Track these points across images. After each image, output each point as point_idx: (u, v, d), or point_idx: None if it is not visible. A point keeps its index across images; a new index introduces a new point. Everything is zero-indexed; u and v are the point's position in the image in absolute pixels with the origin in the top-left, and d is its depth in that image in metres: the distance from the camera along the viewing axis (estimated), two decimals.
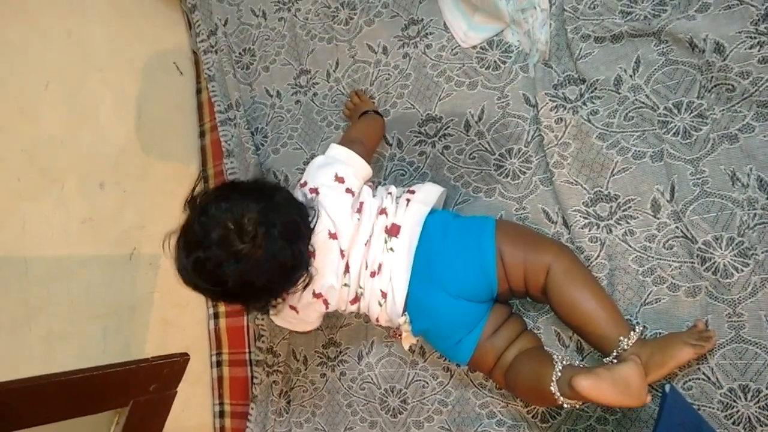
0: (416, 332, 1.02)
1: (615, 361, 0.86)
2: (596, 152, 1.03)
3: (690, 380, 0.92)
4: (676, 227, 0.95)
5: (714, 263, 0.91)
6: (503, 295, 1.00)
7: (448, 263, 0.97)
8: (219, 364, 1.49)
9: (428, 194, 1.06)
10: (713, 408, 0.89)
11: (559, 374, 0.85)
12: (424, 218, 1.01)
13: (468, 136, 1.18)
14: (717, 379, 0.90)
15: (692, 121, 0.96)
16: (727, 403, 0.89)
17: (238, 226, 0.84)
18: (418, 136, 1.24)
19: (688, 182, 0.94)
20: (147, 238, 1.48)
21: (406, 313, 1.00)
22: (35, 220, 1.33)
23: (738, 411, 0.88)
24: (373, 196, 1.06)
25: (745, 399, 0.87)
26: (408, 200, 1.04)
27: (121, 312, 1.37)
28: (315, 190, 1.01)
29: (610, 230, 1.01)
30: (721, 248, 0.90)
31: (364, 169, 1.09)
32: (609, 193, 1.02)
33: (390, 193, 1.06)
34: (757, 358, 0.87)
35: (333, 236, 0.98)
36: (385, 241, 1.00)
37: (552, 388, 0.84)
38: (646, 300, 0.97)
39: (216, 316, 1.50)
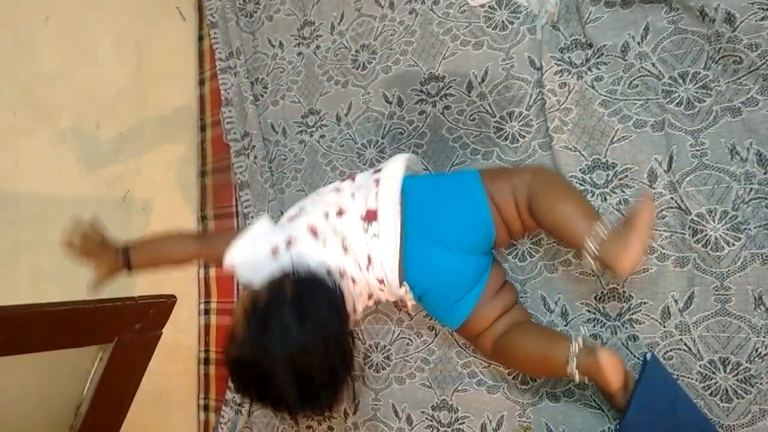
0: (417, 296, 0.99)
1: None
2: (597, 119, 1.02)
3: (671, 350, 0.92)
4: (671, 198, 0.94)
5: (705, 235, 0.90)
6: (501, 241, 0.99)
7: (441, 218, 0.96)
8: (207, 312, 1.49)
9: (395, 168, 1.02)
10: (692, 378, 0.90)
11: (577, 351, 0.85)
12: (399, 189, 0.98)
13: (470, 97, 1.16)
14: (698, 350, 0.90)
15: (696, 92, 0.94)
16: (706, 375, 0.89)
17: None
18: (419, 95, 1.23)
19: (687, 153, 0.93)
20: (141, 182, 1.48)
21: (404, 283, 0.98)
22: (29, 156, 1.32)
23: (716, 383, 0.88)
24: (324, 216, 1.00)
25: (724, 371, 0.88)
26: (377, 180, 1.00)
27: None
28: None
29: (605, 198, 1.00)
30: (714, 221, 0.90)
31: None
32: (607, 161, 1.01)
33: (350, 193, 1.01)
34: (740, 331, 0.87)
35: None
36: (365, 230, 0.96)
37: (569, 364, 0.85)
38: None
39: (206, 265, 1.50)
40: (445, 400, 1.13)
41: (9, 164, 1.28)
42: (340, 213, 0.97)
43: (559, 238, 0.97)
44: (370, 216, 0.96)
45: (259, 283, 0.91)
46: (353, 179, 1.05)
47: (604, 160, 1.01)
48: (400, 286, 0.97)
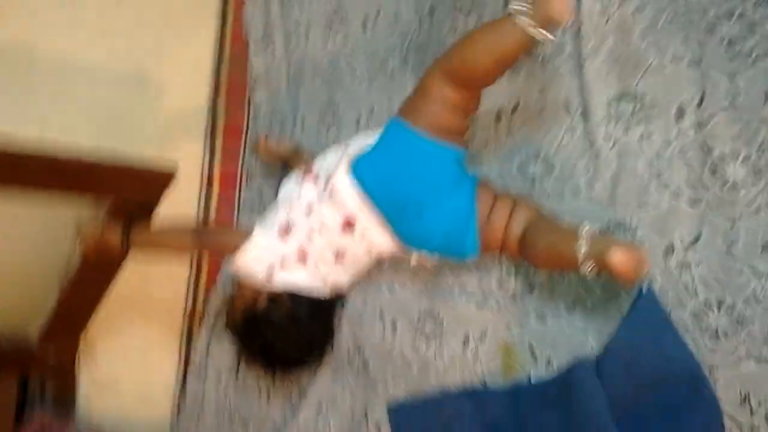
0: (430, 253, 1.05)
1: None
2: (634, 49, 0.98)
3: (668, 286, 0.92)
4: (695, 136, 0.92)
5: (724, 177, 0.89)
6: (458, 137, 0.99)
7: (403, 187, 0.98)
8: (207, 204, 1.49)
9: (341, 180, 1.02)
10: (684, 315, 0.90)
11: (585, 246, 0.84)
12: (356, 193, 1.01)
13: None
14: (695, 289, 0.90)
15: (740, 32, 0.91)
16: (699, 313, 0.89)
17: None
18: (453, 10, 1.18)
19: (720, 93, 0.91)
20: (159, 61, 1.44)
21: (412, 251, 1.05)
22: (48, 10, 1.28)
23: (708, 321, 0.89)
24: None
25: (718, 311, 0.88)
26: (331, 192, 1.03)
27: (121, 124, 1.35)
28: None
29: (628, 130, 0.98)
30: (735, 163, 0.88)
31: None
32: (636, 92, 0.98)
33: (320, 209, 1.06)
34: (741, 275, 0.87)
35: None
36: (353, 234, 1.05)
37: (579, 259, 0.84)
38: (645, 203, 0.95)
39: (212, 157, 1.49)
40: (432, 310, 1.14)
41: (27, 14, 1.24)
42: (320, 231, 1.06)
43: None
44: (348, 222, 1.04)
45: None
46: (315, 183, 1.09)
47: (633, 92, 0.98)
48: (411, 258, 1.06)
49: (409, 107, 0.99)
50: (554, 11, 0.84)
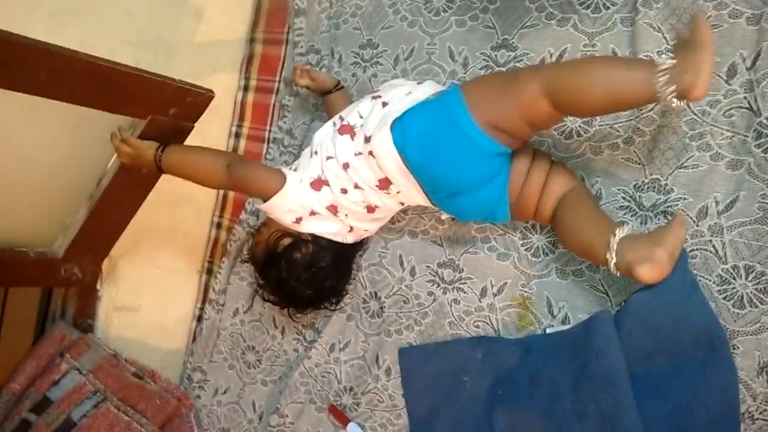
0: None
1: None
2: (691, 1, 0.94)
3: (696, 249, 0.89)
4: (745, 97, 0.89)
5: None
6: (515, 142, 0.92)
7: (445, 170, 0.92)
8: (237, 135, 1.49)
9: (383, 139, 0.94)
10: (710, 281, 0.88)
11: (615, 252, 0.82)
12: (396, 158, 0.94)
13: None
14: (725, 254, 0.87)
15: None
16: (726, 279, 0.87)
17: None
18: None
19: None
20: None
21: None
22: None
23: (734, 288, 0.86)
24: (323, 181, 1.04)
25: (746, 278, 0.85)
26: (370, 152, 0.96)
27: (158, 48, 1.34)
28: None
29: None
30: None
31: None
32: None
33: (357, 167, 1.00)
34: None
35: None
36: (387, 193, 1.01)
37: (609, 261, 0.83)
38: (683, 163, 0.92)
39: (246, 88, 1.48)
40: (452, 259, 1.13)
41: None
42: (357, 187, 1.01)
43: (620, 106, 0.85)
44: (384, 183, 0.99)
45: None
46: (351, 136, 1.02)
47: None
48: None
49: (483, 93, 0.88)
50: (697, 90, 0.74)
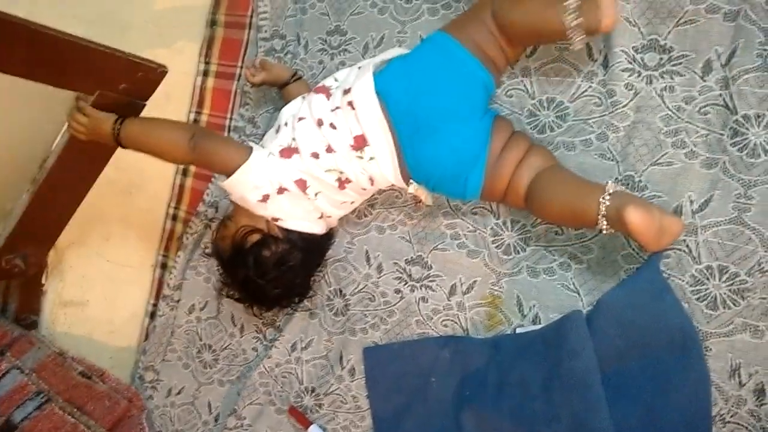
0: (429, 188, 1.00)
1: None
2: None
3: (670, 248, 0.88)
4: (720, 94, 0.87)
5: (745, 139, 0.84)
6: (501, 68, 0.97)
7: (430, 100, 0.92)
8: (196, 122, 1.41)
9: (364, 85, 0.95)
10: (683, 281, 0.86)
11: (608, 201, 0.79)
12: (377, 104, 0.94)
13: None
14: (699, 254, 0.86)
15: None
16: (699, 279, 0.85)
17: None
18: None
19: (753, 51, 0.85)
20: None
21: (412, 182, 0.98)
22: None
23: (707, 289, 0.85)
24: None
25: (719, 279, 0.84)
26: (350, 102, 0.95)
27: (111, 26, 1.26)
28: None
29: (651, 81, 0.92)
30: (758, 126, 0.83)
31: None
32: (665, 43, 0.92)
33: (330, 123, 0.97)
34: (749, 243, 0.83)
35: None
36: (360, 157, 0.97)
37: (600, 214, 0.79)
38: (657, 160, 0.90)
39: (205, 73, 1.41)
40: (421, 256, 1.09)
41: None
42: (329, 150, 0.97)
43: (539, 38, 0.95)
44: (359, 142, 0.96)
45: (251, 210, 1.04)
46: (327, 95, 1.00)
47: (662, 42, 0.92)
48: (409, 186, 0.98)
49: (457, 25, 0.95)
50: (605, 20, 0.83)
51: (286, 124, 1.03)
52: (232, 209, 1.11)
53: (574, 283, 0.94)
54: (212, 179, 1.36)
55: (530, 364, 0.88)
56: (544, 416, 0.85)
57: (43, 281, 1.32)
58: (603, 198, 0.79)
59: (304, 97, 1.05)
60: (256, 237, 1.05)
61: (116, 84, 0.95)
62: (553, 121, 0.99)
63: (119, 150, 1.23)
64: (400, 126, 0.94)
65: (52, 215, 1.15)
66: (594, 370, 0.81)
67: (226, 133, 1.37)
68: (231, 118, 1.37)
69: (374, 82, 0.94)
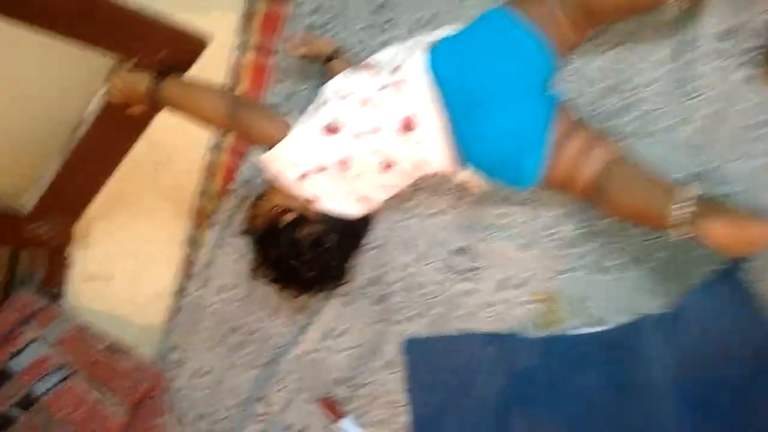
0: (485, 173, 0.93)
1: None
2: None
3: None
4: None
5: None
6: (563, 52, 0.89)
7: (487, 78, 0.86)
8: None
9: (414, 64, 0.89)
10: None
11: (686, 208, 0.72)
12: (429, 83, 0.88)
13: None
14: None
15: None
16: None
17: None
18: None
19: None
20: None
21: (463, 167, 0.93)
22: None
23: None
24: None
25: None
26: (397, 83, 0.90)
27: None
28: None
29: (734, 71, 0.85)
30: None
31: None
32: (751, 28, 0.84)
33: (377, 103, 0.91)
34: None
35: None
36: (406, 140, 0.91)
37: (675, 220, 0.72)
38: (739, 153, 0.83)
39: (244, 47, 1.34)
40: (468, 246, 1.03)
41: None
42: (374, 131, 0.92)
43: (630, 7, 0.85)
44: (407, 124, 0.90)
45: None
46: (373, 73, 0.94)
47: (747, 27, 0.84)
48: (459, 173, 0.94)
49: (517, 2, 0.88)
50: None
51: (328, 101, 0.97)
52: (267, 187, 1.06)
53: (642, 284, 0.88)
54: (247, 156, 1.30)
55: (590, 370, 0.83)
56: (606, 428, 0.79)
57: (68, 252, 1.28)
58: (680, 203, 0.72)
59: (347, 75, 0.99)
60: (290, 216, 1.01)
61: (156, 51, 0.90)
62: (621, 107, 0.92)
63: (152, 124, 1.19)
64: (452, 107, 0.88)
65: (81, 186, 1.11)
66: (667, 381, 0.75)
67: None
68: (267, 95, 1.31)
69: (430, 57, 0.89)
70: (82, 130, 1.03)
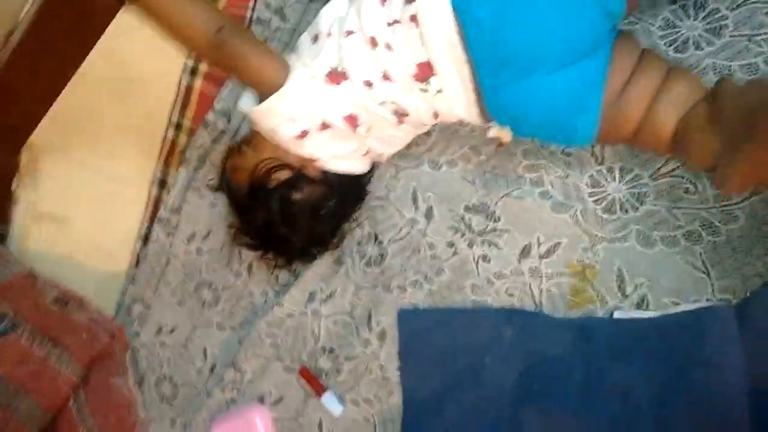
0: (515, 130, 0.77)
1: None
2: None
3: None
4: None
5: None
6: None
7: (527, 28, 0.67)
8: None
9: None
10: None
11: None
12: (451, 19, 0.68)
13: None
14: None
15: None
16: None
17: None
18: None
19: None
20: None
21: (493, 123, 0.76)
22: None
23: None
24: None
25: None
26: (413, 16, 0.70)
27: None
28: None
29: None
30: None
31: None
32: None
33: (386, 44, 0.73)
34: None
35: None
36: (424, 90, 0.75)
37: None
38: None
39: None
40: (486, 203, 0.86)
41: None
42: (385, 77, 0.75)
43: None
44: (425, 71, 0.74)
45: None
46: (382, 0, 0.73)
47: None
48: (488, 126, 0.77)
49: None
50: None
51: (329, 34, 0.78)
52: (253, 133, 0.89)
53: (704, 261, 0.71)
54: (226, 81, 1.11)
55: (639, 364, 0.67)
56: None
57: (13, 187, 1.11)
58: None
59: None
60: (284, 175, 0.85)
61: None
62: (700, 35, 0.73)
63: (115, 41, 0.99)
64: (479, 57, 0.70)
65: (18, 106, 0.92)
66: (739, 388, 0.59)
67: (247, 26, 1.11)
68: (254, 8, 1.11)
69: None
70: (17, 38, 0.84)
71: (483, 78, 0.71)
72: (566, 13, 0.66)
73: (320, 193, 0.85)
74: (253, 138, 0.89)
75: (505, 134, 0.76)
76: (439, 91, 0.74)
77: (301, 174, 0.84)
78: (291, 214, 0.86)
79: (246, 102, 0.82)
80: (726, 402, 0.59)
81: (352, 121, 0.78)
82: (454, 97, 0.74)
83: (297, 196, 0.85)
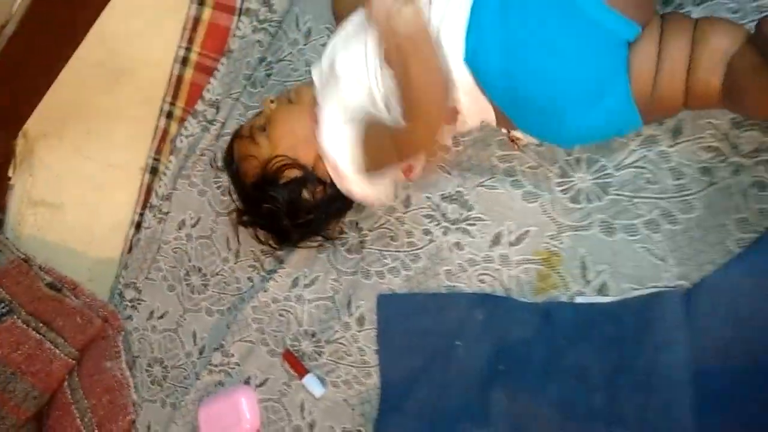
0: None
1: None
2: None
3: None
4: None
5: None
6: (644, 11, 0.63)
7: (534, 82, 0.66)
8: (201, 3, 1.17)
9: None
10: None
11: None
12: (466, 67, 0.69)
13: None
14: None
15: None
16: None
17: None
18: None
19: None
20: None
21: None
22: None
23: None
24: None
25: None
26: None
27: None
28: None
29: None
30: None
31: None
32: None
33: None
34: None
35: None
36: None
37: None
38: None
39: None
40: (461, 192, 0.88)
41: None
42: None
43: None
44: (452, 114, 0.76)
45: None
46: None
47: None
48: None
49: None
50: None
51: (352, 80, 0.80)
52: (268, 118, 0.89)
53: (662, 249, 0.73)
54: (214, 73, 1.13)
55: (594, 346, 0.69)
56: (603, 415, 0.67)
57: (9, 173, 1.13)
58: None
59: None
60: (295, 174, 0.87)
61: None
62: None
63: (107, 26, 1.02)
64: (503, 105, 0.72)
65: (13, 94, 0.94)
66: (684, 368, 0.61)
67: (235, 19, 1.13)
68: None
69: (467, 47, 0.68)
70: (10, 29, 0.86)
71: (514, 118, 0.72)
72: (591, 50, 0.62)
73: (329, 194, 0.87)
74: (270, 128, 0.88)
75: (526, 139, 0.79)
76: (464, 122, 0.78)
77: (312, 174, 0.86)
78: (295, 210, 0.88)
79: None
80: (669, 383, 0.61)
81: None
82: (479, 114, 0.76)
83: (304, 195, 0.87)
